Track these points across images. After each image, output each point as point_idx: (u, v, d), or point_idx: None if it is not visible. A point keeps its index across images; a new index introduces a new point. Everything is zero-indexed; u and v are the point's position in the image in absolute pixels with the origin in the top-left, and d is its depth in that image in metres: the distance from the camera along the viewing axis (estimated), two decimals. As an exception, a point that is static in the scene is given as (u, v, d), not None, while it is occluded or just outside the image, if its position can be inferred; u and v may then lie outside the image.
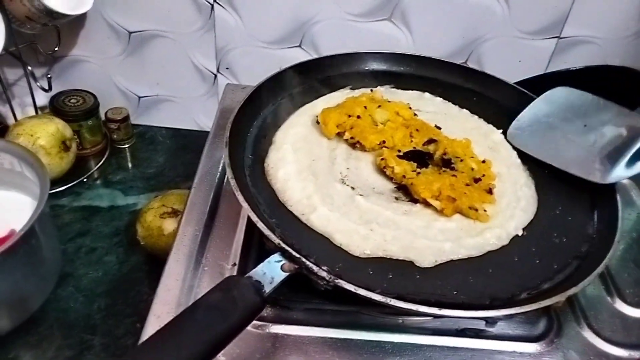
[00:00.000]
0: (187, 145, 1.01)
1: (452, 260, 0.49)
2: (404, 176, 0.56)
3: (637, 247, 0.62)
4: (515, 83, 0.72)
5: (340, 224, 0.50)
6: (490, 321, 0.50)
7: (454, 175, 0.56)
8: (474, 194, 0.54)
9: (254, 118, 0.63)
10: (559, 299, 0.45)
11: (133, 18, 0.90)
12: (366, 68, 0.74)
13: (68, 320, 0.71)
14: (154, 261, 0.78)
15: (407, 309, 0.42)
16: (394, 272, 0.47)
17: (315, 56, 0.91)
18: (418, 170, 0.57)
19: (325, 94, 0.68)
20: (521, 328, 0.51)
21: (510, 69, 0.89)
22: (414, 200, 0.55)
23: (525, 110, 0.65)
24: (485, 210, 0.53)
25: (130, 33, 0.91)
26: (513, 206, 0.55)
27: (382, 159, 0.57)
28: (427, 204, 0.53)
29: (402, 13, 0.85)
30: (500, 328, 0.51)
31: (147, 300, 0.74)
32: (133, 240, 0.80)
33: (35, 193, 0.71)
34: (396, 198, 0.55)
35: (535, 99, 0.68)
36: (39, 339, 0.68)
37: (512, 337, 0.50)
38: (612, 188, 0.57)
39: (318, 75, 0.71)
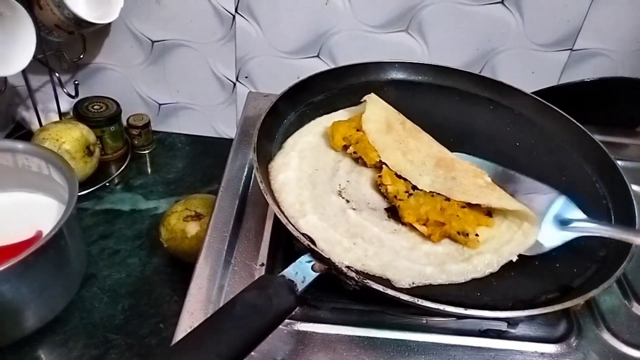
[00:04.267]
0: (205, 151, 1.03)
1: (430, 285, 0.49)
2: (395, 196, 0.55)
3: (652, 254, 0.64)
4: (532, 92, 0.74)
5: (326, 233, 0.51)
6: (512, 322, 0.52)
7: (447, 199, 0.55)
8: (469, 216, 0.53)
9: (278, 125, 0.65)
10: (579, 301, 0.46)
11: (156, 28, 0.92)
12: (385, 77, 0.76)
13: (92, 320, 0.73)
14: (176, 263, 0.80)
15: (435, 308, 0.44)
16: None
17: (332, 66, 0.93)
18: (411, 191, 0.56)
19: (346, 106, 0.69)
20: (542, 330, 0.53)
21: (524, 80, 0.91)
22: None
23: None
24: (477, 235, 0.52)
25: (153, 42, 0.94)
26: (514, 230, 0.53)
27: (379, 176, 0.58)
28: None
29: (419, 25, 0.88)
30: (521, 329, 0.52)
31: (170, 302, 0.76)
32: (155, 242, 0.82)
33: (61, 196, 0.74)
34: (388, 216, 0.55)
35: (550, 107, 0.70)
36: (64, 338, 0.70)
37: (534, 338, 0.51)
38: (628, 194, 0.58)
39: (338, 84, 0.73)
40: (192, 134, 1.06)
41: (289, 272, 0.45)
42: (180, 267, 0.80)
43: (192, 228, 0.75)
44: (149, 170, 0.99)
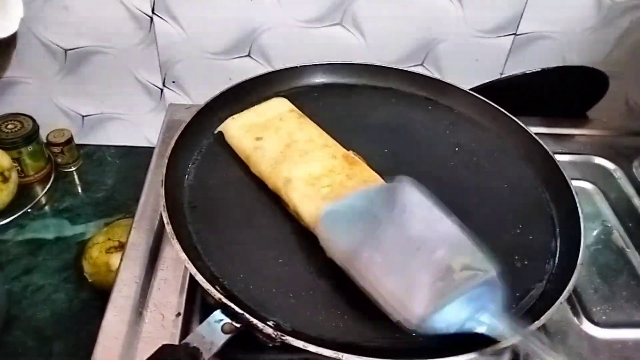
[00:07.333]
0: (138, 163, 0.95)
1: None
2: None
3: (603, 258, 0.61)
4: (472, 89, 0.70)
5: None
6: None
7: None
8: None
9: (192, 150, 0.59)
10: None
11: (67, 35, 0.83)
12: (317, 81, 0.71)
13: (16, 369, 0.67)
14: (105, 296, 0.74)
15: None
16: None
17: (266, 65, 0.87)
18: None
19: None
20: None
21: (468, 69, 0.87)
22: None
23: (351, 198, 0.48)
24: None
25: (66, 51, 0.85)
26: None
27: None
28: None
29: (353, 17, 0.81)
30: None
31: (99, 341, 0.70)
32: (82, 274, 0.75)
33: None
34: None
35: (490, 104, 0.66)
36: (-16, 394, 0.64)
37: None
38: (571, 197, 0.55)
39: (265, 92, 0.67)
40: (123, 145, 0.98)
41: (195, 336, 0.39)
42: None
43: (117, 260, 0.68)
44: (78, 190, 0.91)
